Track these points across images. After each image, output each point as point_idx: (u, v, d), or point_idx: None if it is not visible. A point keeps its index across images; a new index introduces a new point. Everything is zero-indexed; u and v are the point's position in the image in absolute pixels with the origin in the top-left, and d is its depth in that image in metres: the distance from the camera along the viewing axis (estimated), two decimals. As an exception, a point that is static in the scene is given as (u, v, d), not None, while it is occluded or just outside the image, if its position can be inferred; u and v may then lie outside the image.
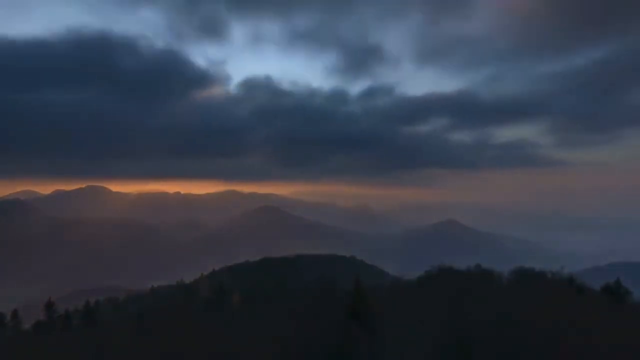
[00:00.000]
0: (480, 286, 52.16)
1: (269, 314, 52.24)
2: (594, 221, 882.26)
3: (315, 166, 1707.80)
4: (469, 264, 72.58)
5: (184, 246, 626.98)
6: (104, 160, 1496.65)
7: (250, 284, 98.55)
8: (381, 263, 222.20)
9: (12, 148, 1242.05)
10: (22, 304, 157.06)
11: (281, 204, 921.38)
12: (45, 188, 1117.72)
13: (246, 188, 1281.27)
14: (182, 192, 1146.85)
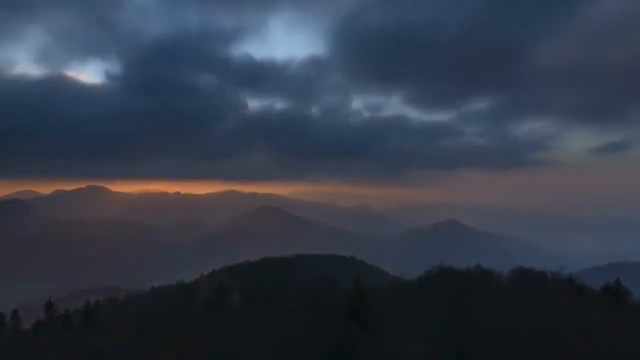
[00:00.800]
0: (480, 286, 52.16)
1: (269, 314, 52.23)
2: (594, 221, 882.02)
3: (316, 166, 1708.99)
4: (469, 264, 72.51)
5: (184, 246, 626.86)
6: (104, 160, 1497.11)
7: (250, 284, 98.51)
8: (381, 263, 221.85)
9: (12, 148, 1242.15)
10: (22, 304, 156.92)
11: (281, 204, 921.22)
12: (45, 188, 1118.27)
13: (246, 188, 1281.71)
14: (182, 192, 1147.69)
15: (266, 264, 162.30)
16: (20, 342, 64.39)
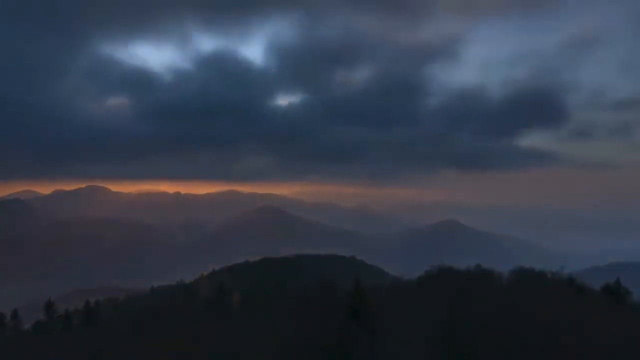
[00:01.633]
0: (480, 286, 52.19)
1: (269, 314, 52.23)
2: (594, 221, 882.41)
3: (316, 166, 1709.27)
4: (469, 264, 72.53)
5: (184, 246, 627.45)
6: (104, 160, 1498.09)
7: (250, 284, 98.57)
8: (381, 263, 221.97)
9: (12, 148, 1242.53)
10: (22, 304, 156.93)
11: (281, 204, 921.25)
12: (45, 188, 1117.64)
13: (246, 188, 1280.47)
14: (182, 192, 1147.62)
15: (266, 264, 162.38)
16: (20, 342, 64.43)
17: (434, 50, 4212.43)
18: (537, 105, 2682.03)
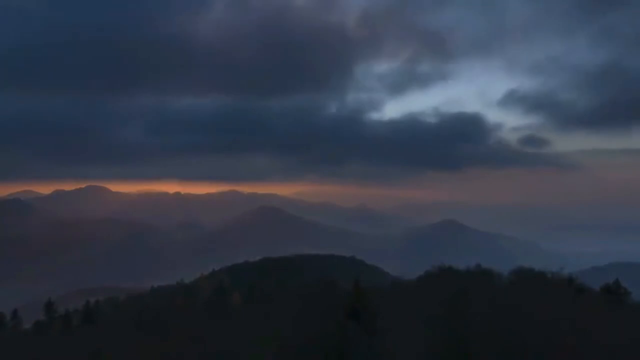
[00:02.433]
0: (480, 286, 52.18)
1: (269, 314, 52.29)
2: (593, 221, 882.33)
3: (316, 166, 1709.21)
4: (469, 264, 72.45)
5: (184, 246, 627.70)
6: (104, 160, 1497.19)
7: (250, 284, 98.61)
8: (381, 263, 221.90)
9: (13, 148, 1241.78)
10: (22, 304, 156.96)
11: (281, 204, 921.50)
12: (45, 188, 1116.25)
13: (246, 188, 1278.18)
14: (182, 192, 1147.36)
15: (266, 264, 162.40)
16: (20, 342, 64.44)
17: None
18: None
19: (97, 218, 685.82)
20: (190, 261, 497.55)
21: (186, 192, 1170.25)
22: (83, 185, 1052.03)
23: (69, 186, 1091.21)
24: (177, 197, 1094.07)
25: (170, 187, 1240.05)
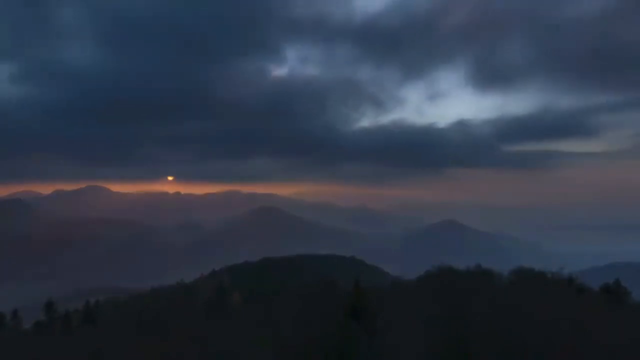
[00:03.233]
0: (480, 286, 52.18)
1: (269, 314, 52.27)
2: (593, 221, 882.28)
3: (316, 166, 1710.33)
4: (469, 264, 72.48)
5: (184, 246, 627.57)
6: (104, 161, 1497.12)
7: (250, 284, 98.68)
8: (381, 263, 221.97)
9: (13, 148, 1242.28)
10: (22, 304, 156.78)
11: (281, 204, 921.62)
12: (45, 188, 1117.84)
13: (246, 188, 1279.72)
14: (182, 192, 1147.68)
15: (266, 264, 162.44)
16: (20, 342, 64.38)
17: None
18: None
19: (97, 218, 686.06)
20: (190, 261, 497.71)
21: (186, 192, 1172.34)
22: (83, 185, 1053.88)
23: (69, 186, 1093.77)
24: (177, 197, 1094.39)
25: (171, 187, 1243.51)
